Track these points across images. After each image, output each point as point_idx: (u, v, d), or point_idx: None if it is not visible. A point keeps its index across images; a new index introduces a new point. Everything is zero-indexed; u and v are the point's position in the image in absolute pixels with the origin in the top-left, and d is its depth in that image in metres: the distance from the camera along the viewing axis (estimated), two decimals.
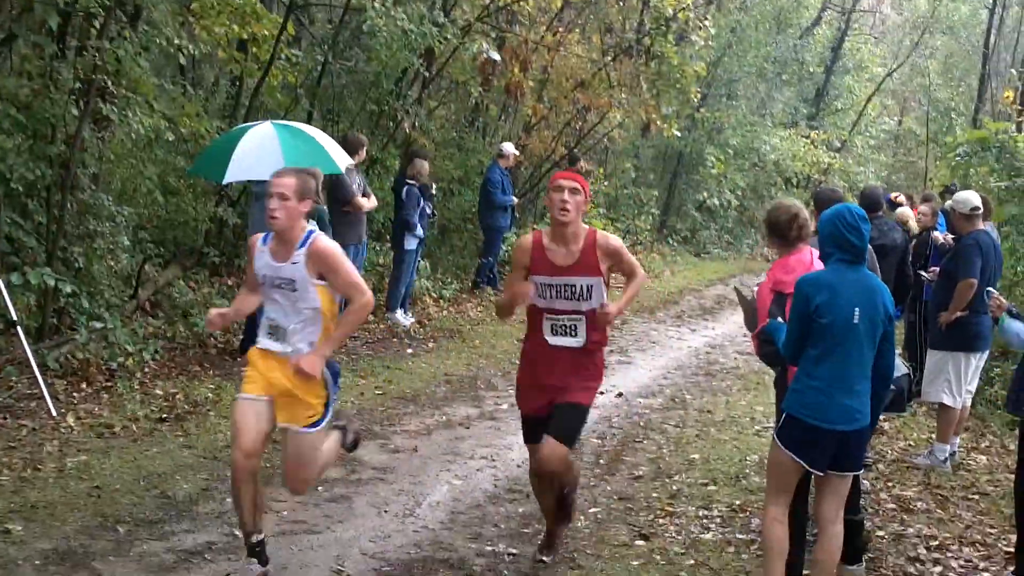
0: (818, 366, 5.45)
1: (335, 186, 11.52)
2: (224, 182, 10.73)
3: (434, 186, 14.71)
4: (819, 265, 5.95)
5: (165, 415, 8.58)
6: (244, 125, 10.93)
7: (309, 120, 14.48)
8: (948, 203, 10.64)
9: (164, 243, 12.47)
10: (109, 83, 9.65)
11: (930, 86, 37.17)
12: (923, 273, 10.18)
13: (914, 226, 11.60)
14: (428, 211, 13.52)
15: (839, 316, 5.38)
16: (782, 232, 6.15)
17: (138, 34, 10.42)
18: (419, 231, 13.21)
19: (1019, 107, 22.67)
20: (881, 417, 9.23)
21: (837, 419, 5.42)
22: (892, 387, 6.24)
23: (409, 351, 12.05)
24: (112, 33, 9.61)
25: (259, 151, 10.16)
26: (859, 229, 5.46)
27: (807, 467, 5.51)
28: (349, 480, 7.57)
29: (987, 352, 9.38)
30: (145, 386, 9.29)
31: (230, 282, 12.58)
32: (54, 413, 8.17)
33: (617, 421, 9.92)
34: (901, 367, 6.47)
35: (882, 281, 5.84)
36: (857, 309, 5.40)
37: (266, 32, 13.06)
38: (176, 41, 11.34)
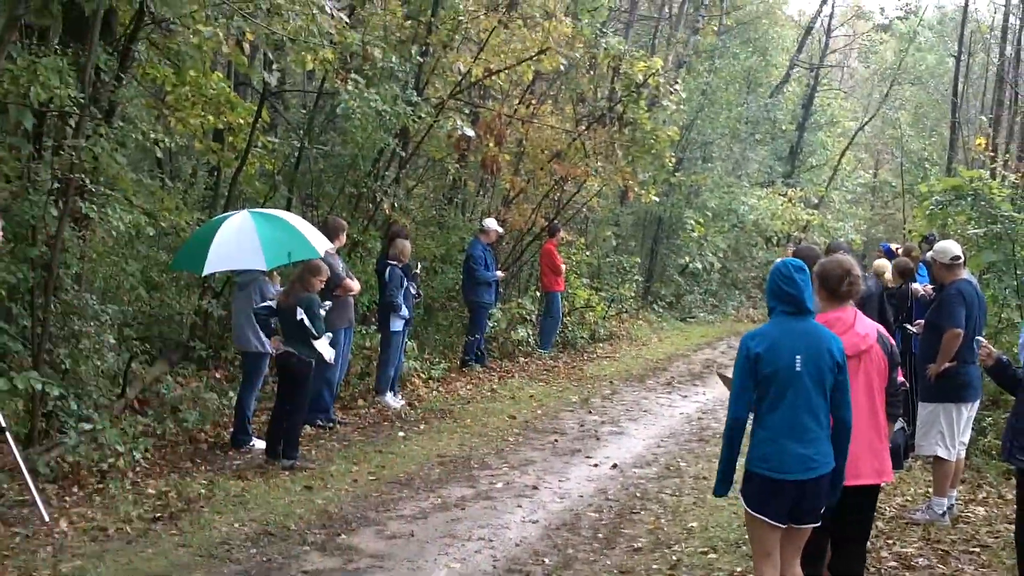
0: (768, 417, 5.54)
1: None
2: (204, 274, 10.72)
3: (419, 265, 14.73)
4: (861, 325, 6.01)
5: (159, 514, 8.45)
6: (221, 216, 10.98)
7: (288, 206, 14.52)
8: (929, 254, 10.68)
9: (150, 339, 12.39)
10: (87, 181, 9.62)
11: (902, 137, 37.59)
12: (908, 326, 10.19)
13: (889, 279, 11.66)
14: (413, 291, 13.50)
15: (780, 364, 5.48)
16: (832, 287, 6.15)
17: (114, 130, 10.42)
18: (404, 312, 13.17)
19: (992, 153, 22.91)
20: None
21: (792, 468, 5.46)
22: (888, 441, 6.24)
23: (401, 434, 11.96)
24: (88, 131, 9.60)
25: (237, 241, 10.21)
26: (793, 279, 5.61)
27: (770, 521, 5.52)
28: (346, 570, 7.46)
29: (978, 402, 9.37)
30: (137, 486, 9.17)
31: (218, 375, 12.49)
32: (47, 518, 8.04)
33: (613, 493, 9.84)
34: (897, 422, 6.47)
35: None
36: (799, 356, 5.48)
37: (241, 121, 13.14)
38: (152, 135, 11.37)
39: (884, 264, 11.89)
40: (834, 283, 6.14)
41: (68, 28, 10.16)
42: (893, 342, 6.32)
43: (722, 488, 5.72)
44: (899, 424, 6.54)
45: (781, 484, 5.46)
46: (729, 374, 6.57)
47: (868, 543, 7.85)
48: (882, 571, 7.61)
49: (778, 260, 5.84)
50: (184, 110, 12.45)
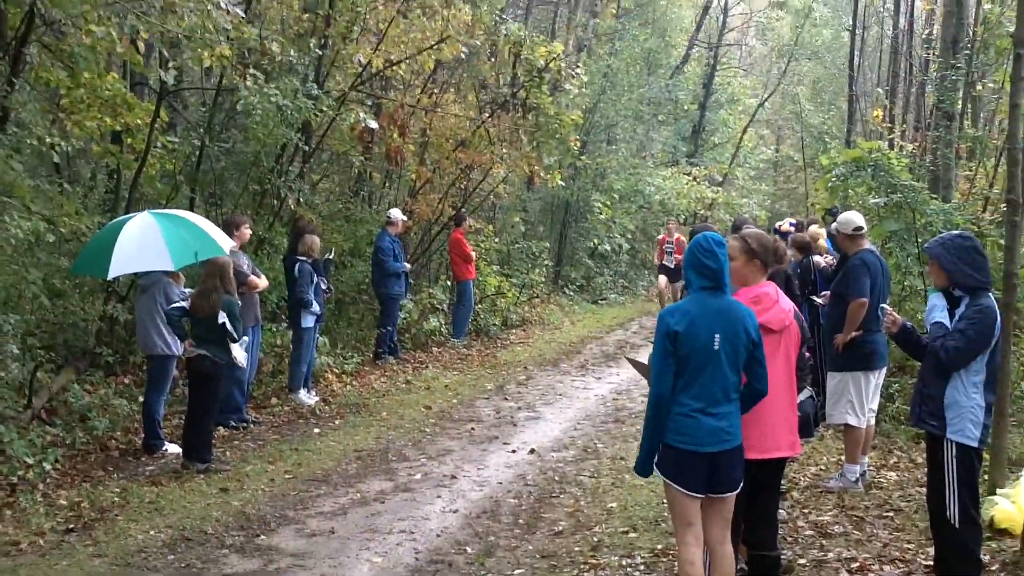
0: (684, 392, 5.60)
1: None
2: (109, 277, 10.55)
3: (331, 251, 14.65)
4: (784, 301, 6.11)
5: (72, 525, 8.30)
6: (121, 218, 10.82)
7: (192, 206, 14.33)
8: (832, 225, 10.84)
9: (55, 347, 12.15)
10: None
11: (802, 112, 38.11)
12: (814, 298, 10.34)
13: (823, 246, 11.82)
14: (323, 286, 13.40)
15: (699, 343, 5.55)
16: (767, 258, 6.32)
17: (8, 136, 10.21)
18: (316, 307, 13.06)
19: (888, 125, 23.31)
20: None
21: (706, 441, 5.56)
22: (797, 413, 6.33)
23: (316, 430, 11.88)
24: None
25: (141, 242, 10.08)
26: (714, 253, 5.67)
27: (685, 491, 5.59)
28: (267, 571, 7.40)
29: (885, 369, 9.55)
30: (48, 497, 8.99)
31: (126, 380, 12.29)
32: None
33: (532, 478, 9.89)
34: (804, 391, 6.57)
35: None
36: (717, 335, 5.56)
37: (139, 121, 12.91)
38: (48, 139, 11.16)
39: (817, 232, 12.03)
40: (770, 255, 6.26)
41: None
42: (803, 319, 6.43)
43: (646, 467, 5.76)
44: (807, 393, 6.65)
45: (696, 455, 5.54)
46: (638, 358, 6.63)
47: (784, 513, 8.01)
48: (799, 540, 7.73)
49: (699, 234, 5.88)
50: (80, 113, 12.21)
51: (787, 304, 6.23)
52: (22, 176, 10.47)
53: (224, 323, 9.91)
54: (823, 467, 9.85)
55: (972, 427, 6.27)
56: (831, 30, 39.76)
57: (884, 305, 7.51)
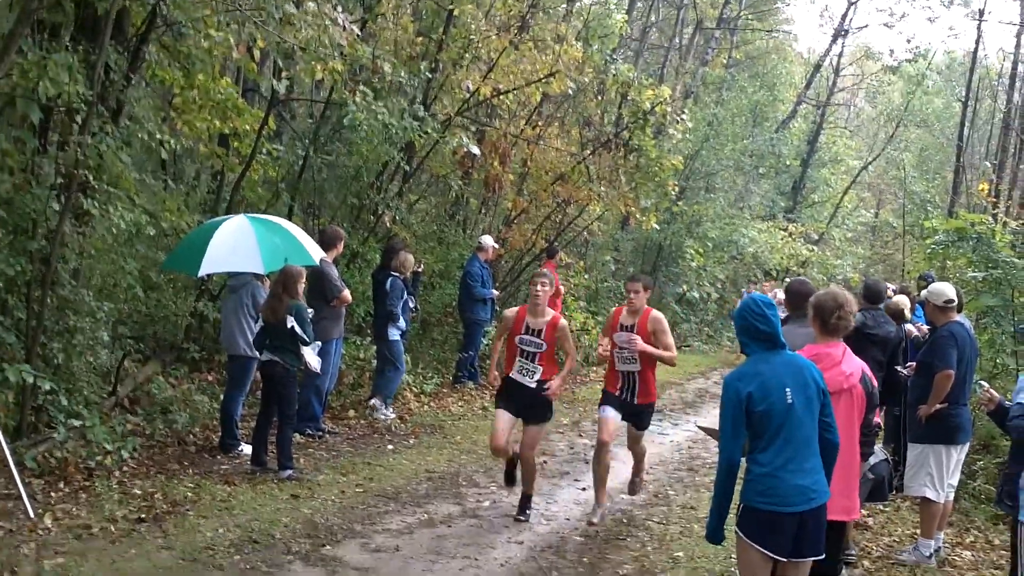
0: (765, 453, 5.51)
1: (320, 280, 11.54)
2: (199, 275, 10.74)
3: (421, 264, 14.73)
4: (848, 363, 6.04)
5: (144, 515, 8.41)
6: (217, 219, 11.01)
7: (290, 214, 14.54)
8: (923, 293, 10.68)
9: (144, 339, 12.38)
10: (90, 178, 9.62)
11: (905, 178, 37.59)
12: (900, 368, 10.17)
13: (908, 315, 11.61)
14: (411, 305, 13.50)
15: (773, 399, 5.47)
16: (824, 318, 6.23)
17: (120, 129, 10.42)
18: (401, 323, 13.17)
19: (994, 199, 22.94)
20: (864, 511, 9.22)
21: (792, 501, 5.45)
22: (871, 475, 6.23)
23: (390, 447, 11.93)
24: (94, 128, 9.60)
25: (234, 243, 10.25)
26: (765, 315, 5.64)
27: (772, 555, 5.48)
28: None
29: (967, 444, 9.34)
30: (124, 485, 9.14)
31: (210, 378, 12.47)
32: (31, 514, 8.01)
33: (599, 518, 9.82)
34: (879, 453, 6.48)
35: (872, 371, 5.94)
36: (788, 389, 5.49)
37: (247, 127, 13.15)
38: (158, 136, 11.38)
39: (904, 300, 11.83)
40: (826, 315, 6.18)
41: (80, 26, 10.17)
42: (876, 383, 6.34)
43: (719, 535, 5.68)
44: (883, 455, 6.56)
45: (782, 516, 5.44)
46: (708, 424, 6.57)
47: None
48: None
49: (745, 297, 5.85)
50: (191, 113, 12.46)
51: (850, 366, 6.14)
52: (129, 169, 10.68)
53: (293, 327, 10.00)
54: (897, 539, 9.66)
55: None
56: (942, 99, 39.38)
57: (982, 382, 7.37)
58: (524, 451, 9.39)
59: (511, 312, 9.66)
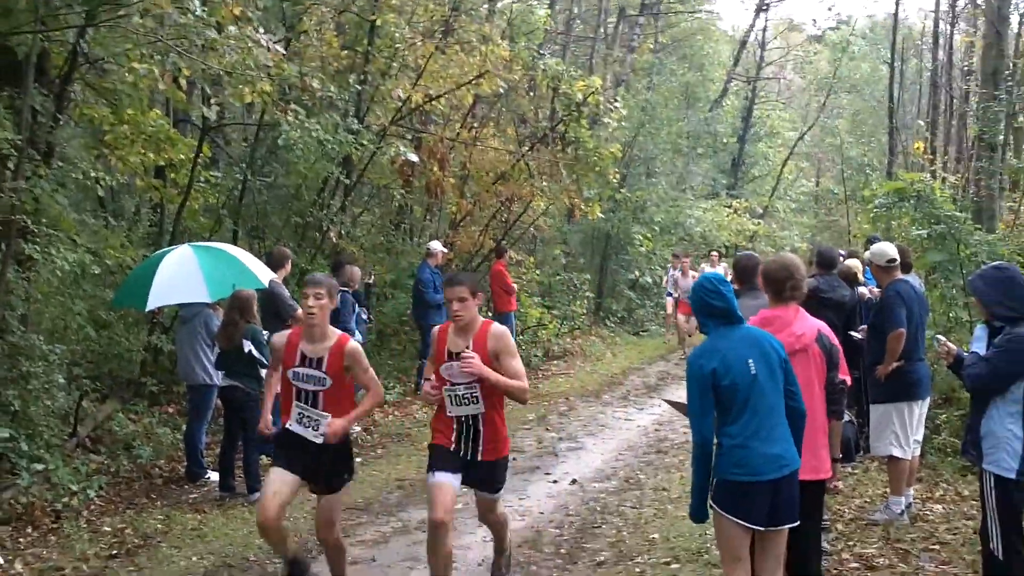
0: (734, 425, 5.55)
1: (272, 301, 11.49)
2: (147, 309, 10.70)
3: (372, 275, 14.69)
4: (800, 324, 6.08)
5: (115, 551, 8.36)
6: (161, 251, 10.99)
7: (235, 239, 14.48)
8: (866, 255, 10.76)
9: (100, 377, 12.29)
10: (29, 222, 9.56)
11: (842, 145, 38.01)
12: (853, 333, 10.25)
13: (861, 278, 11.70)
14: (364, 317, 13.47)
15: (736, 373, 5.51)
16: (776, 288, 6.28)
17: (53, 171, 10.36)
18: (358, 336, 13.12)
19: (930, 157, 23.23)
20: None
21: (765, 469, 5.50)
22: (827, 437, 6.27)
23: (358, 460, 11.87)
24: (27, 172, 9.54)
25: (179, 275, 10.24)
26: (719, 291, 5.68)
27: (747, 524, 5.52)
28: None
29: (928, 399, 9.43)
30: (92, 524, 9.08)
31: (170, 410, 12.40)
32: (1, 561, 7.95)
33: (574, 508, 9.85)
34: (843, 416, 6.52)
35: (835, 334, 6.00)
36: (751, 360, 5.54)
37: (182, 156, 13.10)
38: (92, 174, 11.32)
39: (856, 264, 11.91)
40: (779, 284, 6.23)
41: (2, 72, 10.10)
42: (835, 341, 6.38)
43: (702, 512, 5.68)
44: (846, 417, 6.60)
45: (756, 485, 5.48)
46: (675, 398, 6.60)
47: (828, 545, 7.92)
48: (844, 572, 7.64)
49: (700, 277, 5.89)
50: (124, 148, 12.38)
51: (802, 327, 6.19)
52: (67, 210, 10.63)
53: (251, 351, 9.98)
54: (868, 499, 9.73)
55: (1008, 458, 6.17)
56: (869, 63, 39.77)
57: (939, 336, 7.43)
58: (321, 533, 7.09)
59: (279, 338, 7.24)
